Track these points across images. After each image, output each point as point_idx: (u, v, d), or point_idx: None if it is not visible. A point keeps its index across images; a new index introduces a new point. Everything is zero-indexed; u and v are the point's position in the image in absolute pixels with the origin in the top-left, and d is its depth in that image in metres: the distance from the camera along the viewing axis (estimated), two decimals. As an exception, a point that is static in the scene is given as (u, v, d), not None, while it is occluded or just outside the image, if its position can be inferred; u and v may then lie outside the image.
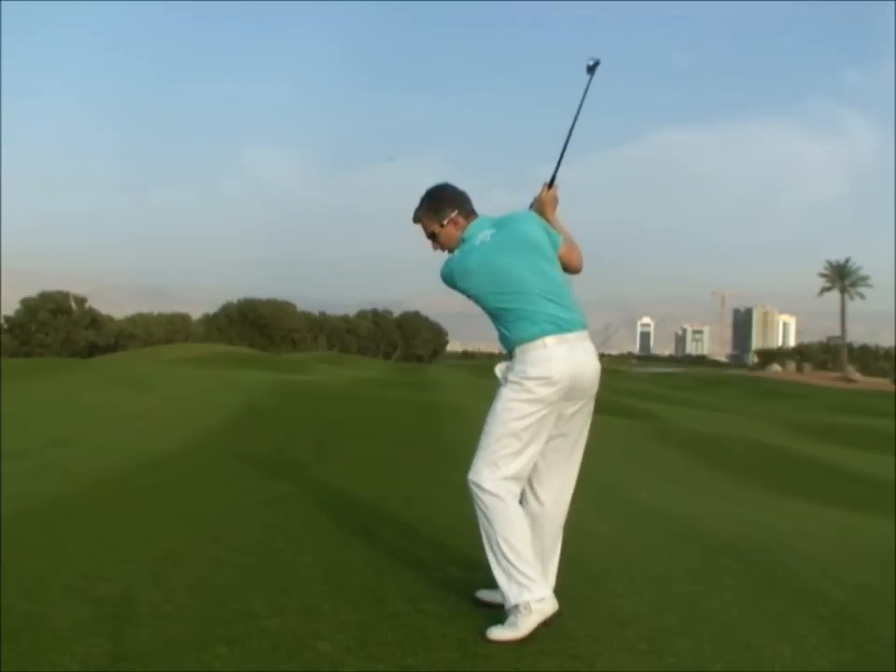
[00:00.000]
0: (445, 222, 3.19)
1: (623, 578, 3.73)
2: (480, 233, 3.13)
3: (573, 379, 2.97)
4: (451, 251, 3.22)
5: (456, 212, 3.20)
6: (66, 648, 2.60)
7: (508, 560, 2.86)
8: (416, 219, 3.27)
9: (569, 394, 2.98)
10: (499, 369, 3.07)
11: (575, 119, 3.24)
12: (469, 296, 3.14)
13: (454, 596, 3.22)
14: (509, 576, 2.87)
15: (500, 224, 3.15)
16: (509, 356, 3.08)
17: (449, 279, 3.16)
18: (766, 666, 2.81)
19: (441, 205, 3.21)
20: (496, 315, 3.10)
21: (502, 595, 2.89)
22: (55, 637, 2.69)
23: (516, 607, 2.83)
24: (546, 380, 2.93)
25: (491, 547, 2.91)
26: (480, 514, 2.93)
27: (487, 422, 3.00)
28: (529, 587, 2.84)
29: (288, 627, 2.85)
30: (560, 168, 3.30)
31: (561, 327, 2.99)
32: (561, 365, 2.94)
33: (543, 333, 2.98)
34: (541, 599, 2.84)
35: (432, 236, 3.24)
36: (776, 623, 3.24)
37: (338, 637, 2.77)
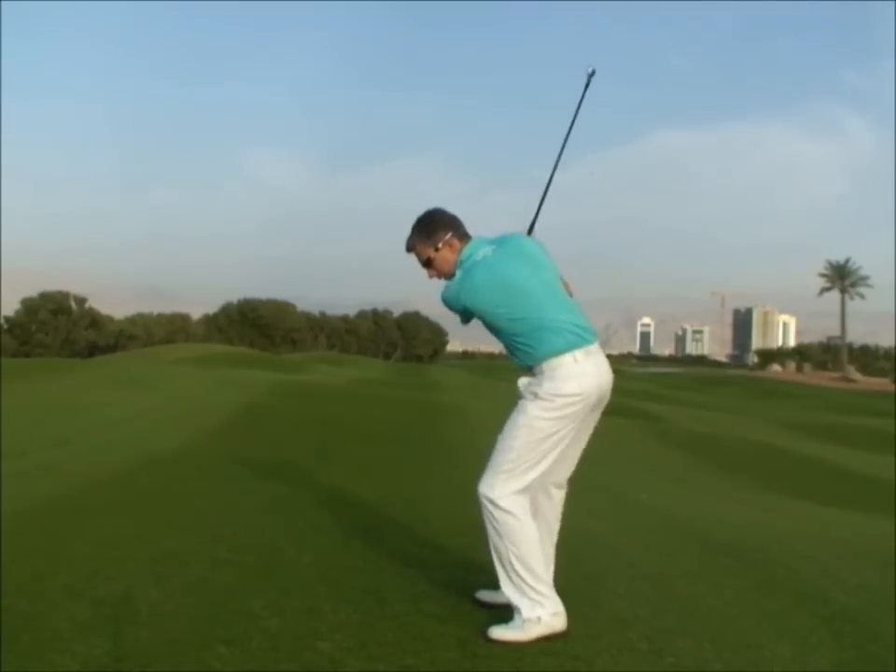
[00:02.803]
0: (440, 245, 3.09)
1: (623, 578, 3.72)
2: (479, 251, 3.06)
3: (599, 391, 2.95)
4: (448, 278, 3.12)
5: (450, 234, 3.10)
6: (66, 648, 2.60)
7: (520, 577, 2.84)
8: (410, 248, 3.17)
9: (593, 405, 2.97)
10: (522, 382, 2.96)
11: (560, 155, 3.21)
12: (479, 314, 3.03)
13: (454, 596, 3.22)
14: (521, 592, 2.86)
15: (500, 242, 3.09)
16: (529, 371, 2.97)
17: (454, 299, 3.04)
18: (766, 666, 2.81)
19: (434, 229, 3.11)
20: (511, 331, 2.97)
21: (514, 607, 2.86)
22: (55, 637, 2.69)
23: (527, 619, 2.82)
24: (579, 396, 2.88)
25: (501, 562, 2.87)
26: (490, 528, 2.88)
27: (507, 435, 2.91)
28: (542, 603, 2.84)
29: (288, 627, 2.85)
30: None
31: (583, 338, 2.94)
32: (591, 380, 2.92)
33: (571, 346, 2.90)
34: (554, 614, 2.85)
35: (427, 263, 3.13)
36: (776, 623, 3.24)
37: (338, 637, 2.77)
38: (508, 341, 3.01)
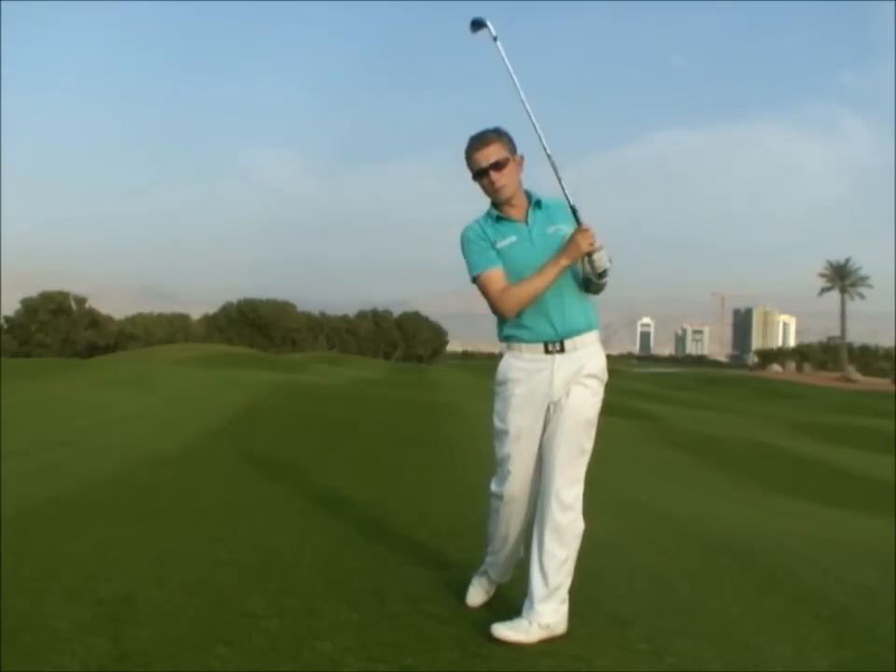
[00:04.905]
0: (516, 157, 2.94)
1: (623, 578, 3.72)
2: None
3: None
4: (506, 189, 2.93)
5: (522, 158, 2.97)
6: (66, 648, 2.60)
7: (570, 577, 2.89)
8: (486, 142, 2.90)
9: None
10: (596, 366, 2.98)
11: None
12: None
13: (454, 596, 3.22)
14: (564, 599, 2.87)
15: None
16: (559, 346, 2.92)
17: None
18: (766, 666, 2.80)
19: (512, 141, 2.95)
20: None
21: (534, 610, 2.82)
22: (55, 637, 2.69)
23: (542, 624, 2.81)
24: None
25: (570, 561, 2.88)
26: (576, 539, 2.88)
27: (589, 437, 2.94)
28: (566, 612, 2.87)
29: (288, 627, 2.85)
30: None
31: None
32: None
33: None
34: (559, 623, 2.86)
35: (499, 166, 2.89)
36: (776, 623, 3.24)
37: (338, 637, 2.77)
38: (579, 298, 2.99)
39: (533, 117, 2.88)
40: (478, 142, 2.91)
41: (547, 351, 2.91)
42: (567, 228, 2.90)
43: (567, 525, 2.84)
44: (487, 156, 2.89)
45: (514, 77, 2.86)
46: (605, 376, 3.00)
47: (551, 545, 2.83)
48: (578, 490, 2.89)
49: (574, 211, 2.88)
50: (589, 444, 2.94)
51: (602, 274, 2.85)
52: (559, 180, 2.91)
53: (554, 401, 2.92)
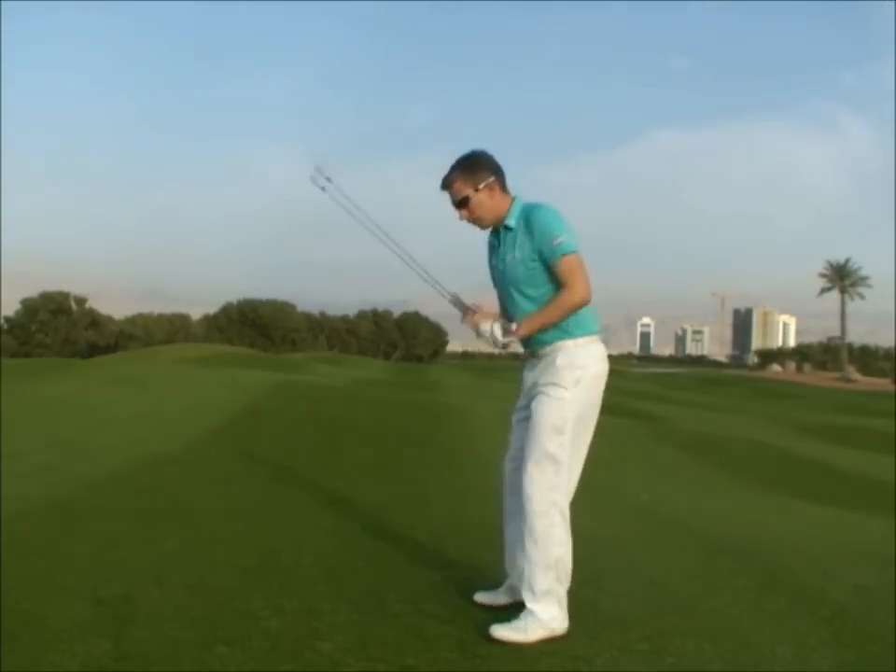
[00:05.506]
0: (481, 186, 2.96)
1: (623, 578, 3.72)
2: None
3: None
4: (480, 223, 3.02)
5: (493, 178, 2.98)
6: (66, 648, 2.60)
7: (561, 584, 2.87)
8: (447, 184, 3.00)
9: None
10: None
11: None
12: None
13: (454, 596, 3.21)
14: (560, 603, 2.86)
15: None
16: (532, 354, 3.06)
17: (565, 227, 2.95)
18: (766, 666, 2.80)
19: (478, 167, 2.98)
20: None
21: (532, 612, 2.82)
22: (55, 637, 2.68)
23: (540, 622, 2.81)
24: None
25: (556, 567, 2.86)
26: (557, 545, 2.85)
27: (556, 444, 2.90)
28: (565, 615, 2.87)
29: (288, 627, 2.85)
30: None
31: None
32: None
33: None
34: (559, 624, 2.85)
35: (462, 203, 2.98)
36: (776, 623, 3.24)
37: (338, 637, 2.77)
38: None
39: (391, 244, 3.00)
40: (442, 184, 3.02)
41: (531, 357, 3.09)
42: (520, 252, 2.94)
43: (543, 531, 2.83)
44: (452, 196, 3.02)
45: (360, 217, 2.96)
46: (564, 379, 2.90)
47: (530, 550, 2.85)
48: (552, 497, 2.84)
49: (456, 299, 3.06)
50: (558, 451, 2.86)
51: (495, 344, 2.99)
52: (434, 286, 3.05)
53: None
